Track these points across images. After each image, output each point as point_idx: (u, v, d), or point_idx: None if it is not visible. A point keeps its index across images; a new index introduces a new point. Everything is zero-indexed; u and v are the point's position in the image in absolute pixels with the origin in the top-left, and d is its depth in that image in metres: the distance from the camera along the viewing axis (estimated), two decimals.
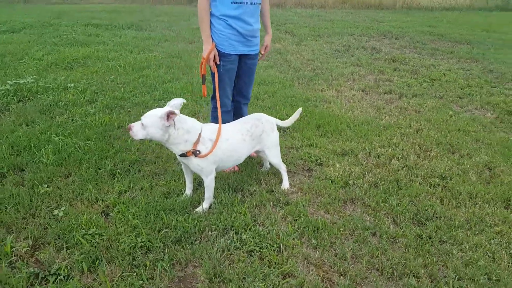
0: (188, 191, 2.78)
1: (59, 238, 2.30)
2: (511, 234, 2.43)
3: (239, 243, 2.29)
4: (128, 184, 2.90)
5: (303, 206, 2.67)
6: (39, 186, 2.81)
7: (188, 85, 5.27)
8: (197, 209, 2.62)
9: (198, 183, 2.88)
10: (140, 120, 2.38)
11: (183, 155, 2.47)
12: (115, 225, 2.42)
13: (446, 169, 3.22)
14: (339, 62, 7.06)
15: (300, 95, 5.04)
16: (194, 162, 2.47)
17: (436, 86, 5.69)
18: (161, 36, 8.93)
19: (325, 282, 2.06)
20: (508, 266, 2.18)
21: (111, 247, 2.23)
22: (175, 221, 2.43)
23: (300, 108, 2.99)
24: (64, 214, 2.52)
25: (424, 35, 9.97)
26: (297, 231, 2.41)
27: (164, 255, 2.20)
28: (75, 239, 2.26)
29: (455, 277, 2.07)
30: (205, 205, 2.63)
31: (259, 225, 2.48)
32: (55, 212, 2.54)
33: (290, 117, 2.97)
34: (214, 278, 2.04)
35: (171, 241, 2.30)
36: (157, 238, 2.30)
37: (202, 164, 2.49)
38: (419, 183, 3.02)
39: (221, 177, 3.00)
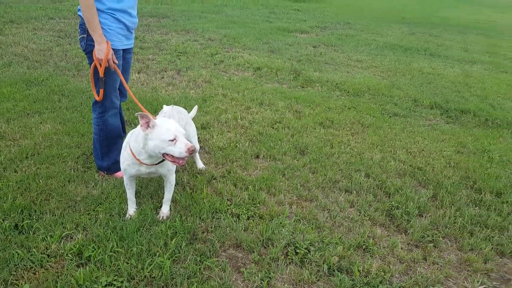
0: (135, 206, 2.62)
1: None
2: (352, 137, 3.91)
3: (236, 218, 2.59)
4: (58, 228, 2.36)
5: (235, 172, 3.13)
6: None
7: None
8: (161, 214, 2.58)
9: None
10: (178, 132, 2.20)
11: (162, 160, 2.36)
12: (117, 266, 2.11)
13: (275, 116, 4.37)
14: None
15: None
16: (169, 164, 2.42)
17: (191, 58, 6.64)
18: None
19: (306, 209, 2.78)
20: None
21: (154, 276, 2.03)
22: (168, 228, 2.39)
23: (196, 106, 3.28)
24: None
25: None
26: (256, 190, 2.92)
27: (192, 254, 2.24)
28: None
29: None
30: (167, 207, 2.61)
31: (230, 199, 2.80)
32: None
33: (192, 111, 3.23)
34: (254, 245, 2.35)
35: (186, 244, 2.31)
36: (181, 242, 2.25)
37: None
38: (272, 129, 4.02)
39: (144, 184, 2.91)
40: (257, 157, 3.48)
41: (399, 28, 11.62)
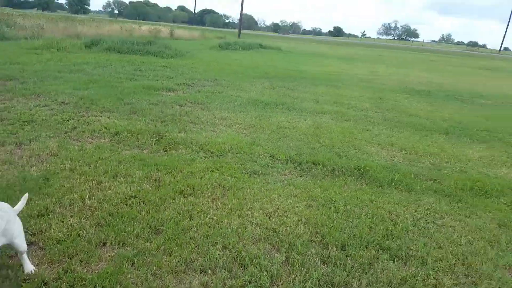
0: None
1: None
2: (212, 204, 3.82)
3: None
4: None
5: (74, 271, 2.74)
6: None
7: None
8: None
9: None
10: None
11: None
12: None
13: (130, 190, 4.09)
14: None
15: None
16: None
17: (38, 128, 5.84)
18: None
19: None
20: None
21: None
22: None
23: (27, 194, 2.83)
24: None
25: None
26: None
27: None
28: None
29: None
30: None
31: None
32: None
33: (19, 203, 2.75)
34: None
35: None
36: None
37: None
38: (125, 206, 3.73)
39: None
40: (104, 244, 3.14)
41: (261, 83, 12.54)
